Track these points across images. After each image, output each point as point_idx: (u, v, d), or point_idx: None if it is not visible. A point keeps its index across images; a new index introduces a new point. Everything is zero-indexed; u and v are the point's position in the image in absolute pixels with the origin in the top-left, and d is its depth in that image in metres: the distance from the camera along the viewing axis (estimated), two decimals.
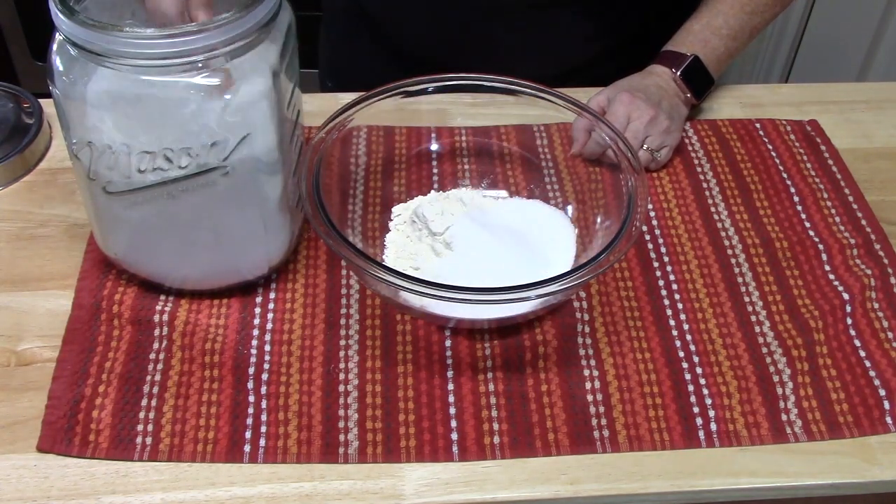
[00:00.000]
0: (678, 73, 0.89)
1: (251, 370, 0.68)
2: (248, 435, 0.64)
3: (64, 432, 0.63)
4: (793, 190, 0.86)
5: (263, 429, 0.65)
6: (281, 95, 0.65)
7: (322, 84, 1.14)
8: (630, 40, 0.99)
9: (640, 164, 0.72)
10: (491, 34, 0.97)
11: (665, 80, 0.89)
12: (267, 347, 0.70)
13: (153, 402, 0.66)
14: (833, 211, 0.84)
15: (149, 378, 0.67)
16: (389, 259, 0.76)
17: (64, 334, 0.70)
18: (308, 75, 1.20)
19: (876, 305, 0.75)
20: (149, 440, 0.64)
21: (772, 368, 0.70)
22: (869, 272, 0.77)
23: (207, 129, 0.62)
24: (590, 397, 0.68)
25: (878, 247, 0.80)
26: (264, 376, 0.68)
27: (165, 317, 0.71)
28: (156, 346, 0.69)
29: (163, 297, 0.72)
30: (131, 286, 0.73)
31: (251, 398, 0.66)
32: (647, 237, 0.80)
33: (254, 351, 0.69)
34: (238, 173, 0.64)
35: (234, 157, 0.63)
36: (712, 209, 0.84)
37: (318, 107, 0.89)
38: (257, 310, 0.72)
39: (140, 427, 0.64)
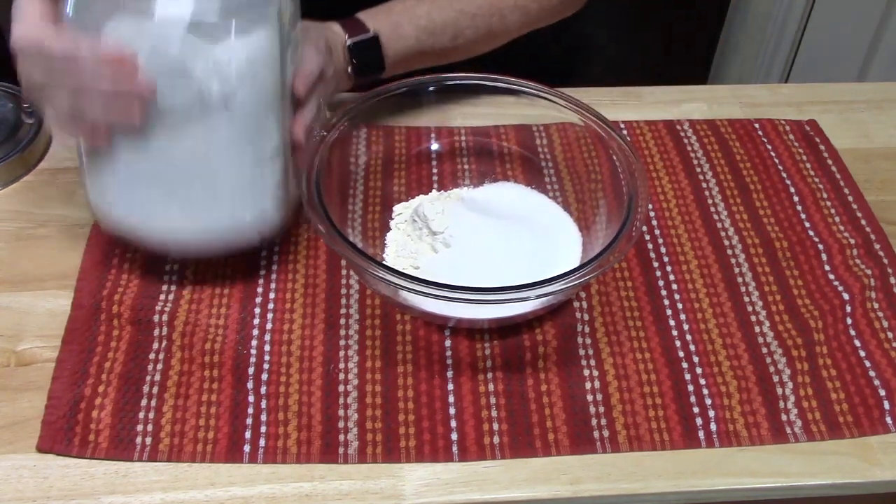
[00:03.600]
0: (349, 42, 0.81)
1: (251, 370, 0.68)
2: (247, 435, 0.64)
3: (64, 432, 0.63)
4: (792, 190, 0.86)
5: (263, 429, 0.65)
6: (283, 39, 0.65)
7: None
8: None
9: (640, 163, 0.72)
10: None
11: (336, 44, 0.81)
12: (267, 347, 0.70)
13: (153, 402, 0.66)
14: (833, 211, 0.84)
15: (148, 378, 0.67)
16: (389, 258, 0.76)
17: (64, 334, 0.70)
18: None
19: (876, 305, 0.75)
20: (149, 440, 0.64)
21: (772, 368, 0.70)
22: (869, 272, 0.77)
23: (211, 71, 0.62)
24: (590, 397, 0.68)
25: (878, 247, 0.80)
26: (264, 376, 0.68)
27: (165, 317, 0.71)
28: (155, 346, 0.69)
29: (162, 297, 0.72)
30: (131, 286, 0.73)
31: (251, 398, 0.66)
32: (647, 237, 0.80)
33: (253, 351, 0.69)
34: (238, 113, 0.64)
35: (237, 96, 0.63)
36: (712, 209, 0.84)
37: None
38: (257, 310, 0.72)
39: (140, 427, 0.64)
